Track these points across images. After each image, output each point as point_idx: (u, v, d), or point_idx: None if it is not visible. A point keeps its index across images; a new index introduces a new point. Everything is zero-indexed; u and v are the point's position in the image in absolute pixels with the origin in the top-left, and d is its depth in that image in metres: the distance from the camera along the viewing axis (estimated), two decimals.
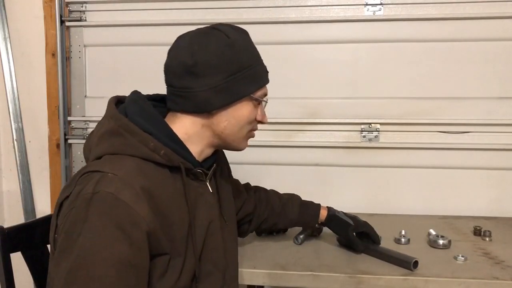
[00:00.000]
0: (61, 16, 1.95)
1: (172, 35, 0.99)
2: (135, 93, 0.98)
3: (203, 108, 0.94)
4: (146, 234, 0.81)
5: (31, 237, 1.19)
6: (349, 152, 1.87)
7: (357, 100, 1.85)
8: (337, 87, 1.86)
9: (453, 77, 1.81)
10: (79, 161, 2.00)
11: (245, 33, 0.99)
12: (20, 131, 2.01)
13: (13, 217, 2.06)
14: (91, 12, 1.97)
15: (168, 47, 0.99)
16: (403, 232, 1.48)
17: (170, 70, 0.95)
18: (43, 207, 2.05)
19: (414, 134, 1.84)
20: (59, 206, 0.86)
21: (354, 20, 1.82)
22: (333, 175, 1.89)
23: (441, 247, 1.40)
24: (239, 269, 1.20)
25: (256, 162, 1.90)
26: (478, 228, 1.54)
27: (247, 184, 1.39)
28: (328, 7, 1.84)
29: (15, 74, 2.00)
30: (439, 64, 1.81)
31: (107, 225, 0.78)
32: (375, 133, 1.85)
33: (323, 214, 1.39)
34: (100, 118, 0.96)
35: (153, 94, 1.04)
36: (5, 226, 1.14)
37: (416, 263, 1.24)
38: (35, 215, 2.04)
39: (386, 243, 1.39)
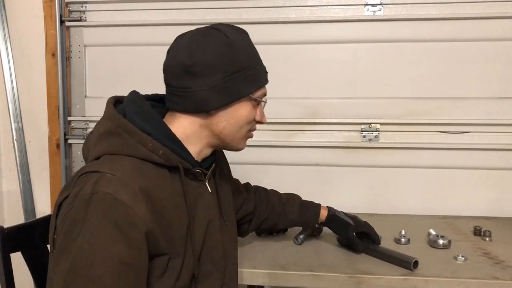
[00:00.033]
0: (61, 16, 1.95)
1: (172, 35, 0.99)
2: (134, 93, 0.98)
3: (202, 108, 0.93)
4: (145, 234, 0.81)
5: (31, 237, 1.19)
6: (349, 152, 1.87)
7: (357, 100, 1.85)
8: (337, 87, 1.86)
9: (453, 77, 1.81)
10: (79, 161, 2.01)
11: (244, 33, 0.99)
12: (20, 131, 2.01)
13: (13, 217, 2.06)
14: (91, 12, 1.97)
15: (168, 47, 0.99)
16: (403, 232, 1.48)
17: (169, 70, 0.95)
18: (43, 207, 2.05)
19: (414, 134, 1.84)
20: (58, 206, 0.86)
21: (354, 20, 1.82)
22: (333, 175, 1.89)
23: (441, 247, 1.40)
24: (239, 269, 1.20)
25: (256, 162, 1.90)
26: (478, 228, 1.54)
27: (247, 184, 1.39)
28: (328, 7, 1.84)
29: (15, 74, 2.00)
30: (439, 64, 1.81)
31: (105, 226, 0.78)
32: (375, 133, 1.85)
33: (323, 214, 1.39)
34: (100, 118, 0.96)
35: (152, 94, 1.03)
36: (5, 226, 1.14)
37: (416, 263, 1.24)
38: (35, 215, 2.04)
39: (386, 243, 1.40)
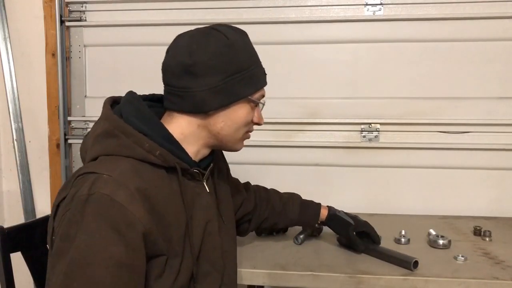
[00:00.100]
0: (61, 16, 1.95)
1: (172, 35, 0.98)
2: (130, 94, 0.98)
3: (200, 108, 0.93)
4: (142, 235, 0.81)
5: (31, 237, 1.19)
6: (349, 152, 1.87)
7: (357, 100, 1.85)
8: (337, 87, 1.86)
9: (453, 77, 1.81)
10: (79, 161, 2.00)
11: (244, 35, 0.99)
12: (20, 131, 2.01)
13: (13, 217, 2.06)
14: (91, 12, 1.97)
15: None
16: (403, 232, 1.48)
17: (168, 70, 0.95)
18: (43, 207, 2.05)
19: (414, 134, 1.84)
20: (56, 207, 0.86)
21: (354, 20, 1.82)
22: (333, 175, 1.89)
23: (441, 247, 1.40)
24: (239, 269, 1.20)
25: (256, 162, 1.90)
26: (478, 228, 1.54)
27: (247, 183, 1.39)
28: (328, 7, 1.84)
29: (15, 74, 2.00)
30: (439, 64, 1.81)
31: (102, 227, 0.78)
32: (375, 133, 1.85)
33: (324, 213, 1.39)
34: (97, 119, 0.96)
35: (149, 94, 1.03)
36: (5, 226, 1.14)
37: (416, 263, 1.24)
38: (35, 215, 2.04)
39: (386, 243, 1.40)
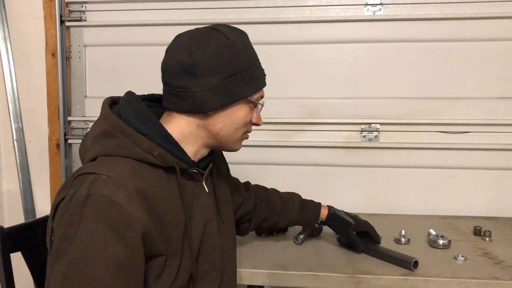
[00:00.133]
0: (61, 16, 1.95)
1: (172, 35, 0.98)
2: (129, 94, 0.97)
3: (200, 108, 0.93)
4: (141, 235, 0.81)
5: (31, 237, 1.19)
6: (349, 152, 1.87)
7: (357, 100, 1.85)
8: (337, 87, 1.86)
9: (453, 77, 1.81)
10: (79, 161, 1.96)
11: (244, 35, 0.99)
12: (20, 131, 2.01)
13: (13, 217, 2.06)
14: (91, 12, 1.97)
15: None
16: (403, 232, 1.48)
17: (168, 69, 0.95)
18: (43, 207, 2.05)
19: (414, 134, 1.84)
20: (55, 208, 0.86)
21: (354, 20, 1.82)
22: (333, 175, 1.89)
23: (441, 247, 1.40)
24: (239, 269, 1.20)
25: (256, 162, 1.90)
26: (478, 228, 1.54)
27: (247, 183, 1.39)
28: (328, 7, 1.84)
29: (15, 74, 2.00)
30: (439, 64, 1.81)
31: (101, 227, 0.78)
32: (375, 133, 1.85)
33: (324, 213, 1.39)
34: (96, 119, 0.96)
35: (148, 94, 1.03)
36: (5, 226, 1.15)
37: (416, 263, 1.24)
38: (35, 215, 2.04)
39: (386, 243, 1.40)
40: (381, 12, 1.81)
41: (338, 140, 1.87)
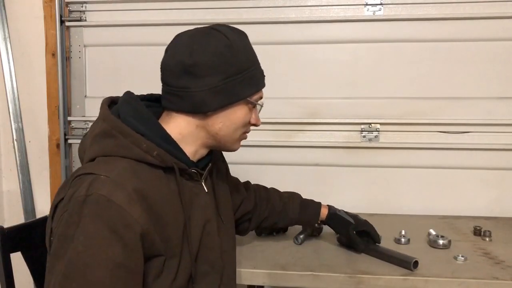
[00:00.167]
0: (61, 16, 1.95)
1: (172, 35, 0.98)
2: (128, 94, 0.97)
3: (200, 109, 0.93)
4: (140, 236, 0.81)
5: (31, 237, 1.19)
6: (349, 152, 1.87)
7: (357, 100, 1.85)
8: (337, 87, 1.86)
9: (453, 77, 1.81)
10: (79, 161, 1.98)
11: (243, 35, 0.98)
12: (20, 131, 2.01)
13: (13, 217, 2.06)
14: (91, 12, 1.97)
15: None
16: (403, 232, 1.48)
17: (167, 69, 0.94)
18: (43, 207, 2.05)
19: (414, 134, 1.84)
20: (54, 209, 0.86)
21: (354, 20, 1.82)
22: (333, 175, 1.89)
23: (441, 247, 1.40)
24: (239, 269, 1.20)
25: (256, 162, 1.90)
26: (478, 228, 1.54)
27: (247, 183, 1.39)
28: (328, 7, 1.84)
29: (15, 74, 2.00)
30: (439, 64, 1.81)
31: (100, 228, 0.78)
32: (375, 133, 1.85)
33: (324, 212, 1.39)
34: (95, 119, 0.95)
35: (147, 94, 1.03)
36: (5, 226, 1.15)
37: (416, 263, 1.24)
38: (35, 215, 2.04)
39: (386, 243, 1.40)
40: (381, 12, 1.81)
41: (338, 140, 1.87)
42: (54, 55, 1.96)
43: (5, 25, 1.98)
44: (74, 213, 0.79)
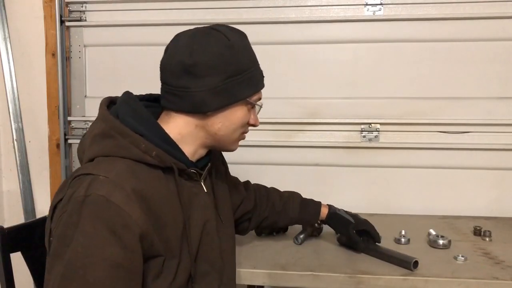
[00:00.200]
0: (61, 16, 1.95)
1: (172, 35, 0.98)
2: (127, 94, 0.97)
3: (199, 109, 0.93)
4: (139, 236, 0.81)
5: (31, 237, 1.19)
6: (349, 152, 1.87)
7: (357, 100, 1.85)
8: (337, 87, 1.86)
9: (453, 77, 1.81)
10: (79, 161, 2.00)
11: (243, 36, 0.98)
12: (20, 131, 2.01)
13: (13, 217, 2.06)
14: (91, 12, 1.97)
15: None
16: (403, 232, 1.48)
17: (167, 68, 0.94)
18: (43, 207, 2.05)
19: (414, 134, 1.84)
20: (53, 209, 0.86)
21: (354, 20, 1.82)
22: (333, 175, 1.89)
23: (441, 247, 1.40)
24: (239, 269, 1.20)
25: (256, 162, 1.90)
26: (478, 228, 1.54)
27: (247, 182, 1.39)
28: (328, 7, 1.84)
29: (15, 74, 2.00)
30: (439, 64, 1.81)
31: (98, 228, 0.78)
32: (375, 133, 1.85)
33: (324, 212, 1.39)
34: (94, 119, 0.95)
35: (146, 94, 1.03)
36: (5, 226, 1.14)
37: (416, 263, 1.24)
38: (35, 215, 2.04)
39: (386, 243, 1.40)
40: (381, 12, 1.81)
41: (338, 140, 1.87)
42: (54, 55, 1.96)
43: (5, 25, 1.98)
44: (73, 214, 0.79)
